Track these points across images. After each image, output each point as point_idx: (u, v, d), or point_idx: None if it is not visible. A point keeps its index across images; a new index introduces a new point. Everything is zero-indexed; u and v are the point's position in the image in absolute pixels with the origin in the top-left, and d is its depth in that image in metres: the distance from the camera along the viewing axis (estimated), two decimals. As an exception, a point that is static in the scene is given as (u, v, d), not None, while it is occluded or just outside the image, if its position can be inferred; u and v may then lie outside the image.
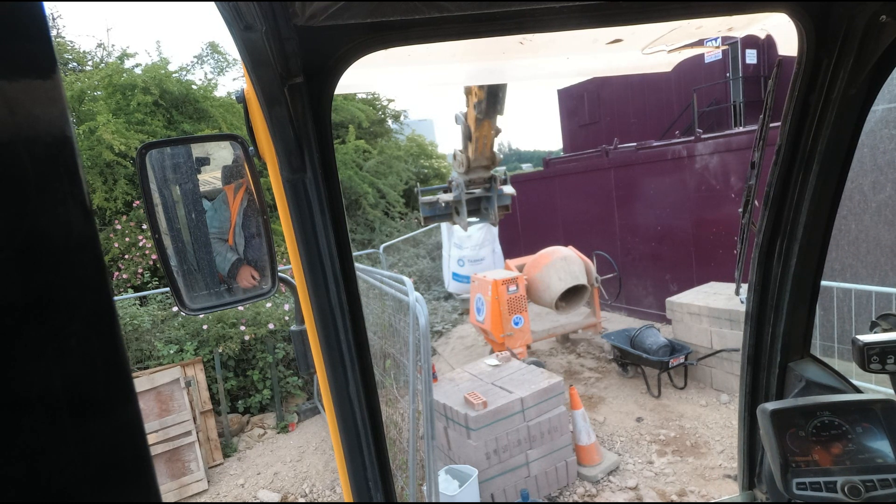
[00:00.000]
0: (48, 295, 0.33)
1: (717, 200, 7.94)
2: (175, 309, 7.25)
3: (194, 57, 13.86)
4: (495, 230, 9.75)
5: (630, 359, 6.81)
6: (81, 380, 0.34)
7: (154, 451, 5.62)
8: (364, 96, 16.63)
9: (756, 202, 1.55)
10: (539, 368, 5.50)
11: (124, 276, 8.91)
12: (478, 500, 4.43)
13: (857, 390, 1.45)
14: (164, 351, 6.68)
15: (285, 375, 7.41)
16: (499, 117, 6.09)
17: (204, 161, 1.18)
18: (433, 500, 3.98)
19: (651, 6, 1.06)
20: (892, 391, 1.38)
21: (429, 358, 3.91)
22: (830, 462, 1.22)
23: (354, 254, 4.23)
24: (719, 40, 1.98)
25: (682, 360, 6.31)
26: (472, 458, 4.61)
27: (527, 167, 34.85)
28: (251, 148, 1.11)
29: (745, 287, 1.64)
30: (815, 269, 1.47)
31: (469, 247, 10.01)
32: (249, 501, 5.59)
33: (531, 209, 11.93)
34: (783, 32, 1.30)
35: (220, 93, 12.25)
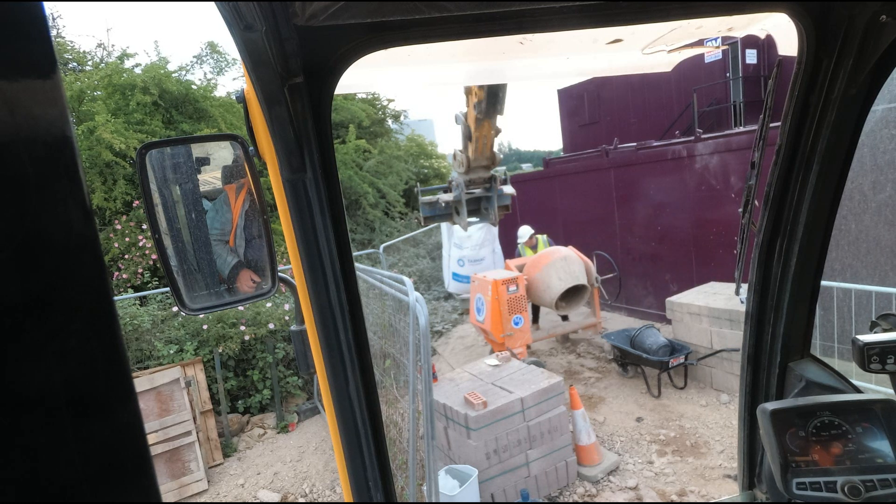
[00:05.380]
0: (48, 295, 0.33)
1: (717, 200, 7.94)
2: (175, 309, 7.25)
3: (194, 57, 13.87)
4: (495, 230, 9.75)
5: (630, 359, 6.81)
6: (81, 380, 0.34)
7: (154, 451, 5.62)
8: (364, 96, 16.63)
9: (756, 202, 1.55)
10: (539, 368, 5.50)
11: (124, 276, 8.91)
12: (478, 500, 4.43)
13: (857, 390, 1.45)
14: (164, 351, 6.68)
15: (285, 375, 7.41)
16: (499, 117, 6.10)
17: (204, 161, 1.18)
18: (433, 500, 3.98)
19: (651, 6, 1.06)
20: (892, 391, 1.38)
21: (429, 358, 3.91)
22: (830, 462, 1.22)
23: (354, 254, 4.23)
24: (719, 40, 1.98)
25: (682, 360, 6.31)
26: (472, 458, 4.61)
27: (527, 167, 34.85)
28: (251, 148, 1.11)
29: (745, 287, 1.64)
30: (815, 269, 1.47)
31: (469, 247, 10.01)
32: (249, 501, 5.59)
33: (531, 209, 11.94)
34: (783, 32, 1.30)
35: (219, 93, 12.27)
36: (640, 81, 14.84)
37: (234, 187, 1.21)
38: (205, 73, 17.75)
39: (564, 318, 8.42)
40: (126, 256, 9.10)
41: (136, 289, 8.65)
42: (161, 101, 10.28)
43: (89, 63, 12.45)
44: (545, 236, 9.19)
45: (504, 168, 10.51)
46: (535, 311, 8.29)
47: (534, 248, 8.94)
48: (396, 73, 1.51)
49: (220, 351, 6.89)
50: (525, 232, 9.15)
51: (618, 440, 5.62)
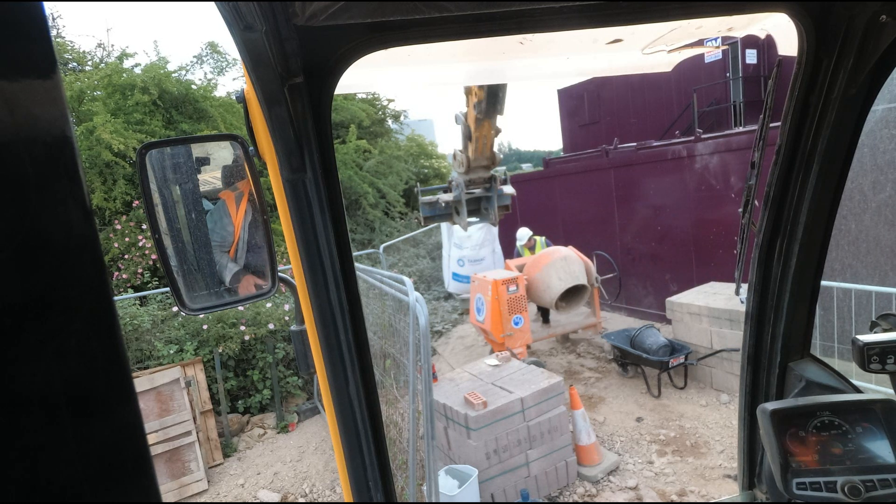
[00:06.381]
0: (48, 295, 0.33)
1: (717, 200, 7.95)
2: (175, 309, 7.25)
3: (194, 57, 13.86)
4: (495, 230, 9.75)
5: (630, 359, 6.81)
6: (81, 380, 0.34)
7: (154, 451, 5.62)
8: (364, 96, 16.63)
9: (756, 202, 1.55)
10: (539, 368, 5.50)
11: (124, 276, 8.91)
12: (478, 500, 4.43)
13: (857, 390, 1.45)
14: (164, 351, 6.68)
15: (285, 375, 7.41)
16: (499, 117, 6.10)
17: (204, 161, 1.18)
18: (433, 500, 3.98)
19: (651, 6, 1.06)
20: (892, 391, 1.38)
21: (429, 358, 3.91)
22: (830, 462, 1.22)
23: (354, 254, 4.23)
24: (719, 40, 1.98)
25: (682, 360, 6.31)
26: (472, 458, 4.61)
27: (527, 167, 34.86)
28: (251, 148, 1.11)
29: (745, 287, 1.64)
30: (815, 269, 1.47)
31: (469, 247, 10.01)
32: (249, 501, 5.59)
33: (531, 209, 11.94)
34: (783, 32, 1.30)
35: (219, 93, 12.27)
36: (640, 81, 14.84)
37: (234, 196, 1.20)
38: (205, 73, 17.79)
39: (546, 319, 8.47)
40: (126, 256, 9.10)
41: (136, 289, 8.65)
42: (161, 101, 10.28)
43: (89, 63, 12.45)
44: (544, 238, 9.24)
45: (504, 168, 10.52)
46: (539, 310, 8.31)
47: (532, 249, 9.02)
48: (396, 73, 1.51)
49: (220, 351, 6.89)
50: (524, 234, 9.25)
51: (618, 440, 5.61)
